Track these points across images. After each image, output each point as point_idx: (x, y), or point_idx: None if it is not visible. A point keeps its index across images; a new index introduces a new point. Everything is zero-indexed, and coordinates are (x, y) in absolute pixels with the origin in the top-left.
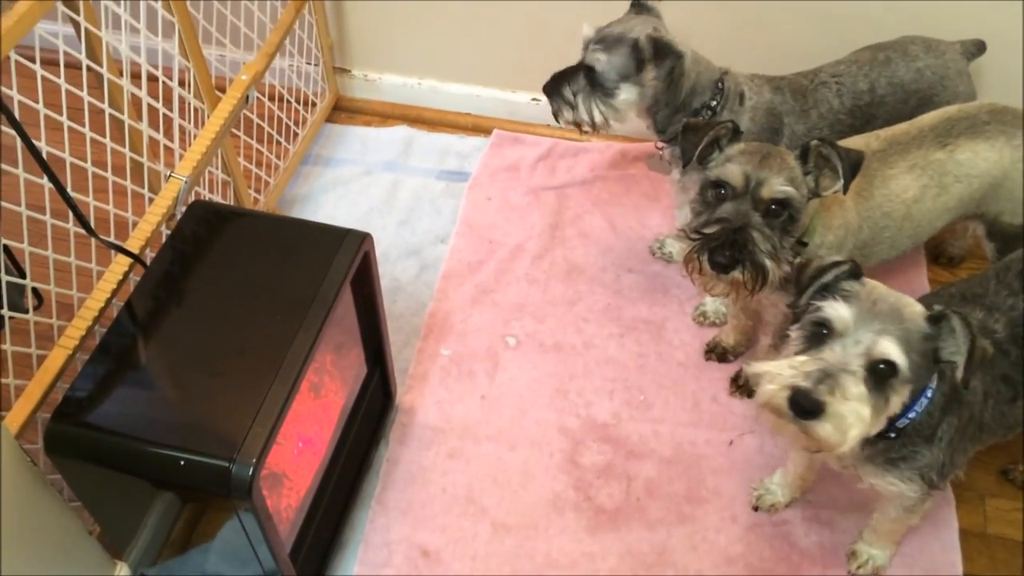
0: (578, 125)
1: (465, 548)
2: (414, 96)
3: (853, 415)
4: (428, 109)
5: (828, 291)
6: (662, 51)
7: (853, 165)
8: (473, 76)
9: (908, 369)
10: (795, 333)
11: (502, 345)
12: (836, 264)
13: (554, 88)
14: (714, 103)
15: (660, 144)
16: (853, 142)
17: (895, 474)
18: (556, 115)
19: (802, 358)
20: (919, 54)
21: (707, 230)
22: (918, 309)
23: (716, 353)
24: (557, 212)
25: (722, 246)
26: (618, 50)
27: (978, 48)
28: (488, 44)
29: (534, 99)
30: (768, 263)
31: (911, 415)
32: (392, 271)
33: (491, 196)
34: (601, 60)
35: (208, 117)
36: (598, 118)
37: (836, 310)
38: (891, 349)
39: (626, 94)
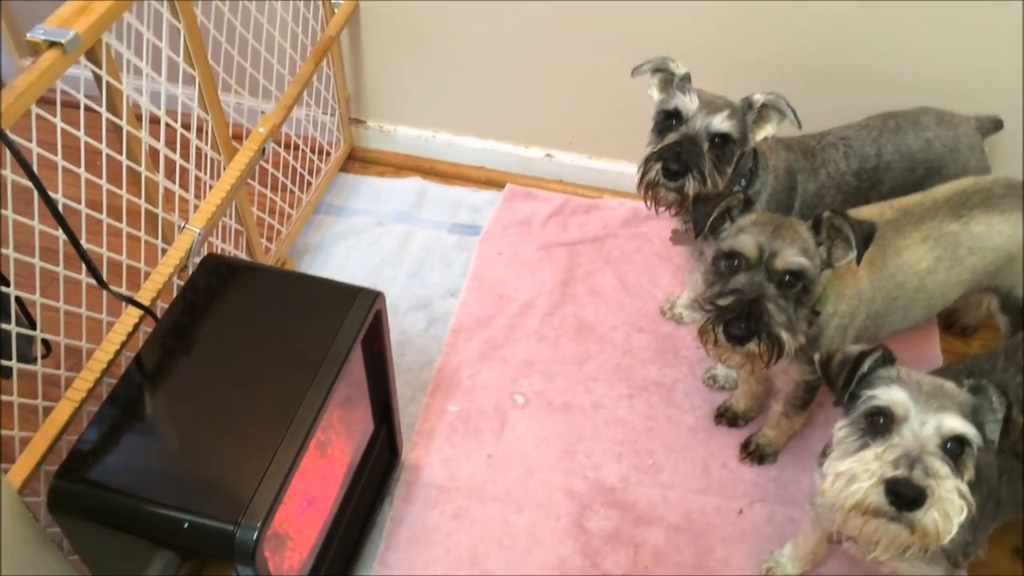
0: (681, 203)
1: None
2: (428, 148)
3: (955, 495)
4: (442, 162)
5: (865, 382)
6: (770, 110)
7: (866, 236)
8: (487, 130)
9: (978, 438)
10: (845, 429)
11: (510, 403)
12: (868, 353)
13: (689, 162)
14: (752, 166)
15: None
16: (866, 211)
17: (922, 557)
18: (680, 189)
19: (878, 449)
20: (930, 124)
21: (721, 301)
22: (954, 385)
23: (726, 418)
24: (568, 269)
25: (737, 318)
26: (738, 113)
27: (994, 124)
28: (502, 99)
29: (547, 155)
30: (784, 335)
31: None
32: (401, 324)
33: (502, 251)
34: (731, 126)
35: (224, 168)
36: (720, 184)
37: (891, 396)
38: (958, 423)
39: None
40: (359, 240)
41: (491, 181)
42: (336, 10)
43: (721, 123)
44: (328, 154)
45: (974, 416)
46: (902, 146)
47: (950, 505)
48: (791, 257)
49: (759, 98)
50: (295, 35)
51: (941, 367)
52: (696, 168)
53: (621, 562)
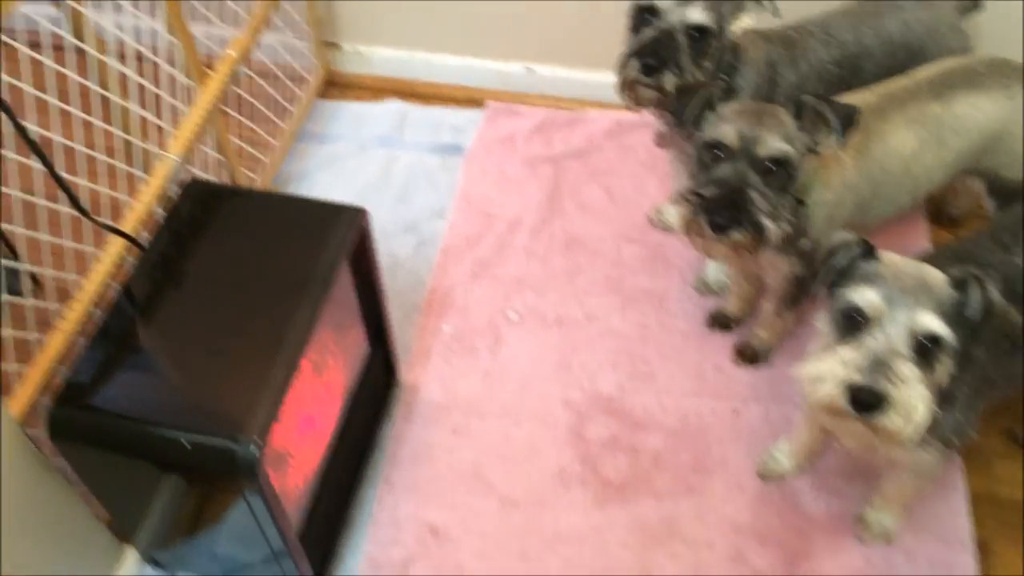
0: (661, 100)
1: (473, 525)
2: (406, 69)
3: (917, 399)
4: (420, 83)
5: (846, 275)
6: None
7: (847, 119)
8: (465, 47)
9: (952, 338)
10: (822, 324)
11: (504, 320)
12: (846, 245)
13: (667, 57)
14: (732, 60)
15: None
16: (849, 99)
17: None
18: (659, 86)
19: (848, 351)
20: (909, 7)
21: (705, 192)
22: (940, 276)
23: (719, 322)
24: (554, 184)
25: (721, 207)
26: (711, 6)
27: (973, 3)
28: (479, 14)
29: (527, 68)
30: (767, 222)
31: None
32: (390, 248)
33: (487, 169)
34: (706, 16)
35: (197, 95)
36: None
37: (864, 295)
38: (932, 322)
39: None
40: (343, 167)
41: (472, 99)
42: None
43: (697, 15)
44: (305, 81)
45: (956, 309)
46: (882, 31)
47: (911, 409)
48: (773, 144)
49: None
50: None
51: (927, 254)
52: (674, 62)
53: (620, 467)
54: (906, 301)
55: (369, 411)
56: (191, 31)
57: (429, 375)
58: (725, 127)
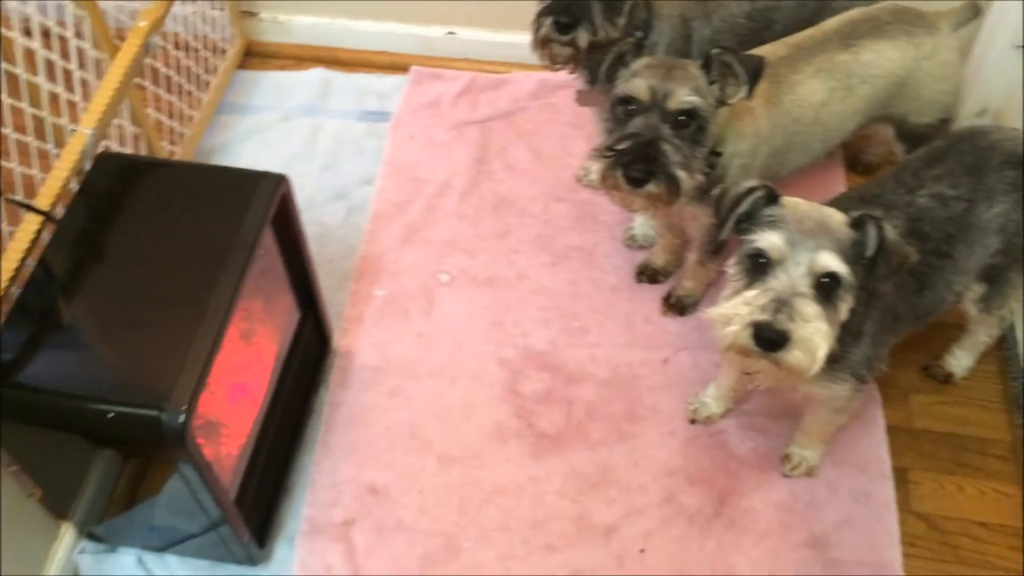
0: (576, 57)
1: (412, 483)
2: (327, 37)
3: (818, 335)
4: (343, 49)
5: (752, 220)
6: None
7: (754, 69)
8: (386, 12)
9: (849, 276)
10: (733, 269)
11: (436, 282)
12: (750, 191)
13: (580, 14)
14: (646, 17)
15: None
16: (760, 51)
17: (828, 376)
18: (572, 43)
19: (753, 292)
20: None
21: (619, 146)
22: (840, 218)
23: (647, 275)
24: (482, 146)
25: (635, 161)
26: None
27: None
28: None
29: (450, 32)
30: (680, 173)
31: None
32: (319, 216)
33: (414, 134)
34: None
35: (109, 67)
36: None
37: (768, 239)
38: (831, 261)
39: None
40: (266, 137)
41: (396, 65)
42: None
43: None
44: (223, 51)
45: (855, 248)
46: None
47: (812, 344)
48: (683, 96)
49: None
50: None
51: (835, 198)
52: (587, 19)
53: (556, 420)
54: (806, 243)
55: (303, 378)
56: (99, 3)
57: (363, 340)
58: (637, 82)
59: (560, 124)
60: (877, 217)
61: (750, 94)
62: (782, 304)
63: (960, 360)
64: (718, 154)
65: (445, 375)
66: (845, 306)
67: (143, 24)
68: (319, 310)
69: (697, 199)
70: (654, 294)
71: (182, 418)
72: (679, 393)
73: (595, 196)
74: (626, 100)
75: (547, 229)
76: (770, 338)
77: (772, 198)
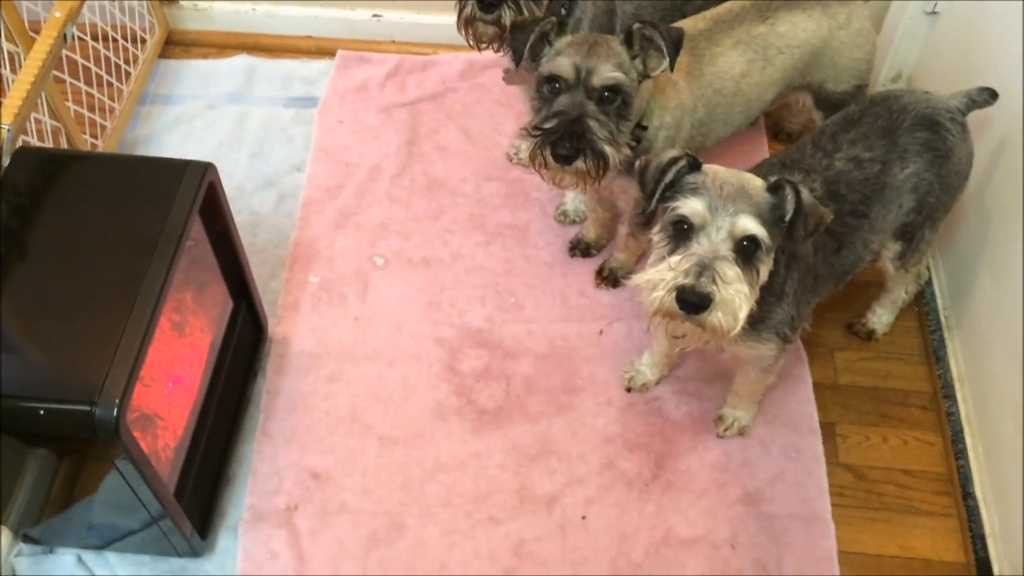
0: (501, 37)
1: (354, 465)
2: (250, 23)
3: (739, 296)
4: (266, 35)
5: (675, 188)
6: None
7: (675, 42)
8: None
9: (768, 238)
10: (658, 236)
11: (370, 266)
12: (673, 161)
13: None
14: None
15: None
16: (681, 24)
17: (753, 337)
18: (496, 21)
19: (676, 258)
20: None
21: (546, 125)
22: (759, 183)
23: (580, 249)
24: (412, 128)
25: (562, 139)
26: None
27: None
28: None
29: (375, 15)
30: (607, 149)
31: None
32: (250, 204)
33: (343, 119)
34: None
35: (24, 60)
36: (531, 15)
37: (690, 205)
38: (750, 224)
39: None
40: (192, 126)
41: (321, 50)
42: None
43: None
44: (144, 41)
45: (773, 212)
46: None
47: (733, 305)
48: (606, 73)
49: None
50: None
51: (756, 164)
52: None
53: (495, 395)
54: (726, 207)
55: (239, 367)
56: None
57: (299, 327)
58: (561, 60)
59: (489, 104)
60: (793, 181)
61: (672, 66)
62: (704, 268)
63: (881, 317)
64: (644, 127)
65: (383, 357)
66: (765, 268)
67: (59, 15)
68: (252, 299)
69: (625, 172)
70: (587, 268)
71: (115, 411)
72: (615, 363)
73: (526, 174)
74: (551, 78)
75: (480, 208)
76: (693, 301)
77: (694, 166)
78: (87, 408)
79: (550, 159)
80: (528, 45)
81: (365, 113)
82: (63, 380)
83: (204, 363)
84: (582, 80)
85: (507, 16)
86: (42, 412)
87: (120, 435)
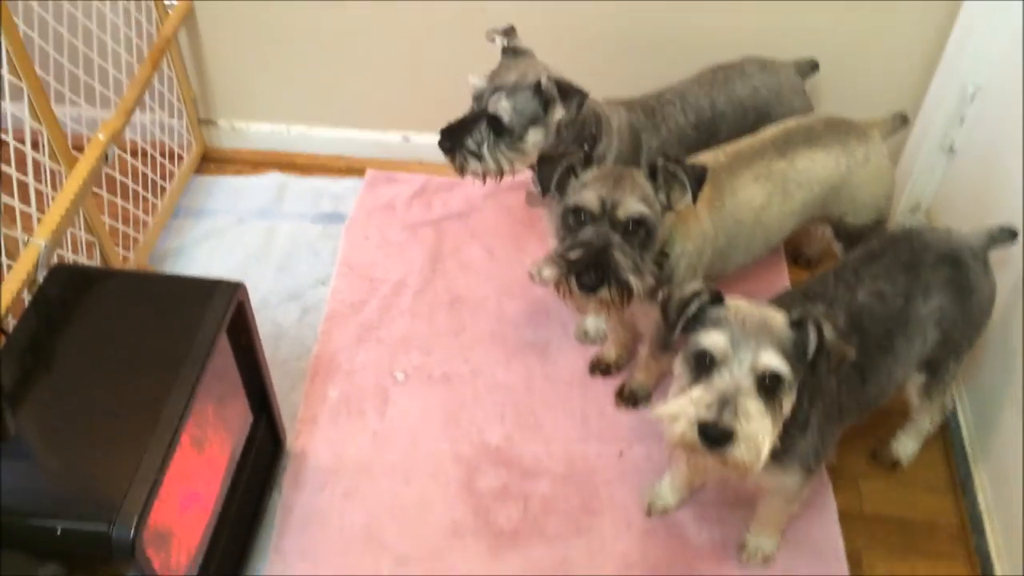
0: (484, 175)
1: None
2: (284, 142)
3: (762, 432)
4: (299, 154)
5: (697, 320)
6: (568, 91)
7: (698, 178)
8: (342, 119)
9: (790, 374)
10: (679, 367)
11: (391, 381)
12: (696, 295)
13: (455, 142)
14: (594, 130)
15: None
16: (703, 158)
17: (777, 467)
18: (461, 169)
19: (698, 391)
20: (755, 73)
21: (572, 255)
22: (781, 318)
23: (600, 368)
24: (436, 245)
25: (587, 269)
26: (521, 95)
27: (811, 66)
28: (353, 86)
29: (404, 137)
30: (632, 279)
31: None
32: (273, 317)
33: (369, 235)
34: (507, 108)
35: (65, 178)
36: (506, 166)
37: (712, 339)
38: (773, 360)
39: (534, 137)
40: (222, 240)
41: (351, 169)
42: (170, 11)
43: (498, 103)
44: (180, 157)
45: (795, 347)
46: (732, 95)
47: (756, 441)
48: (632, 206)
49: (544, 83)
50: (129, 39)
51: (779, 295)
52: (467, 145)
53: (512, 516)
54: (749, 342)
55: (256, 481)
56: (57, 113)
57: (317, 440)
58: (587, 193)
59: (513, 223)
60: (816, 317)
61: (695, 201)
62: (726, 402)
63: (906, 446)
64: (666, 255)
65: (400, 474)
66: (788, 401)
67: (102, 137)
68: (272, 412)
69: (648, 297)
70: (607, 387)
71: (132, 532)
72: (635, 485)
73: (548, 292)
74: (577, 210)
75: (501, 326)
76: (715, 436)
77: (716, 299)
78: (104, 528)
79: (575, 287)
80: (556, 177)
81: (391, 230)
82: (82, 498)
83: (221, 478)
84: (607, 212)
85: (477, 164)
86: (59, 531)
87: (135, 555)
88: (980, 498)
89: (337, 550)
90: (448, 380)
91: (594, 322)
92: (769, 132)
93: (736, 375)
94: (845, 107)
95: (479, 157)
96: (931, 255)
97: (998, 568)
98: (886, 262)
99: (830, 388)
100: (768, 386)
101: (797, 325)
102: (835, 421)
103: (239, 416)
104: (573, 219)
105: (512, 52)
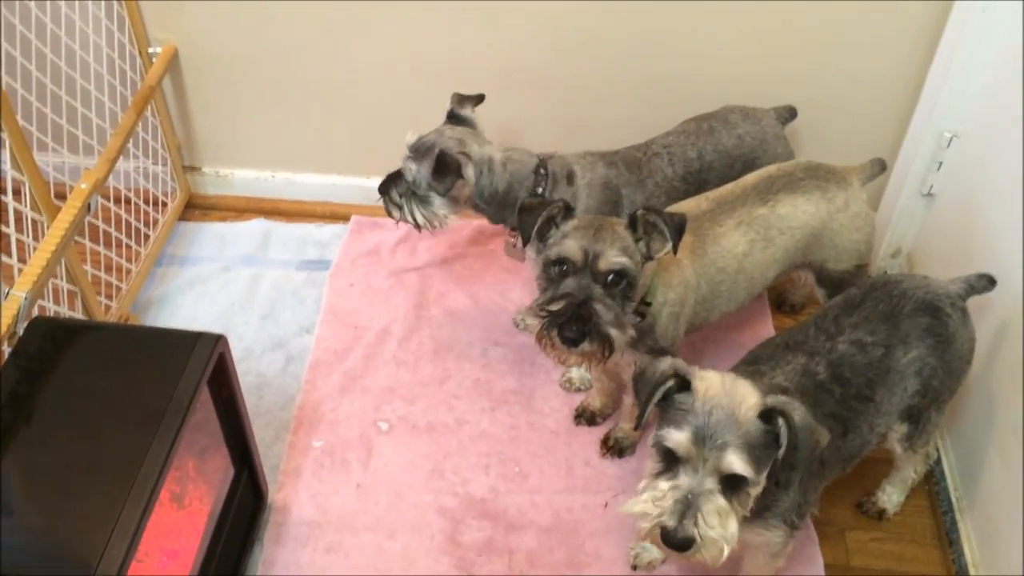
0: (417, 225)
1: None
2: (269, 189)
3: (722, 536)
4: (284, 201)
5: (667, 402)
6: (443, 168)
7: (678, 227)
8: (326, 165)
9: (755, 474)
10: (652, 449)
11: (375, 431)
12: (663, 379)
13: (384, 189)
14: (539, 189)
15: (511, 233)
16: (685, 205)
17: (760, 524)
18: (388, 214)
19: (663, 486)
20: (738, 122)
21: (553, 307)
22: (751, 403)
23: (585, 417)
24: (421, 292)
25: (569, 322)
26: (426, 163)
27: (790, 113)
28: (338, 133)
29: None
30: (613, 332)
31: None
32: (257, 366)
33: (353, 282)
34: (412, 170)
35: (47, 228)
36: (421, 220)
37: (675, 438)
38: (736, 463)
39: (439, 202)
40: (206, 288)
41: (336, 215)
42: (154, 59)
43: (407, 163)
44: (164, 204)
45: (765, 437)
46: (719, 145)
47: (717, 546)
48: (613, 258)
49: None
50: (113, 87)
51: (761, 344)
52: (391, 195)
53: (497, 570)
54: (714, 439)
55: (237, 537)
56: (39, 162)
57: (300, 494)
58: (569, 243)
59: (497, 270)
60: (785, 407)
61: (675, 250)
62: (688, 504)
63: (891, 496)
64: (648, 304)
65: (384, 528)
66: (756, 490)
67: (84, 186)
68: (254, 465)
69: (631, 346)
70: (592, 437)
71: None
72: (620, 538)
73: (532, 340)
74: (559, 261)
75: (486, 374)
76: (676, 543)
77: (685, 386)
78: None
79: (557, 340)
80: (536, 227)
81: (376, 277)
82: (59, 556)
83: (202, 534)
84: (589, 264)
85: (408, 214)
86: None
87: None
88: (966, 550)
89: None
90: (433, 429)
91: (579, 371)
92: (750, 178)
93: (699, 475)
94: (823, 153)
95: (399, 208)
96: (910, 304)
97: None
98: (865, 311)
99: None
100: (733, 482)
101: (767, 416)
102: (817, 476)
103: (220, 470)
104: (555, 269)
105: (454, 119)
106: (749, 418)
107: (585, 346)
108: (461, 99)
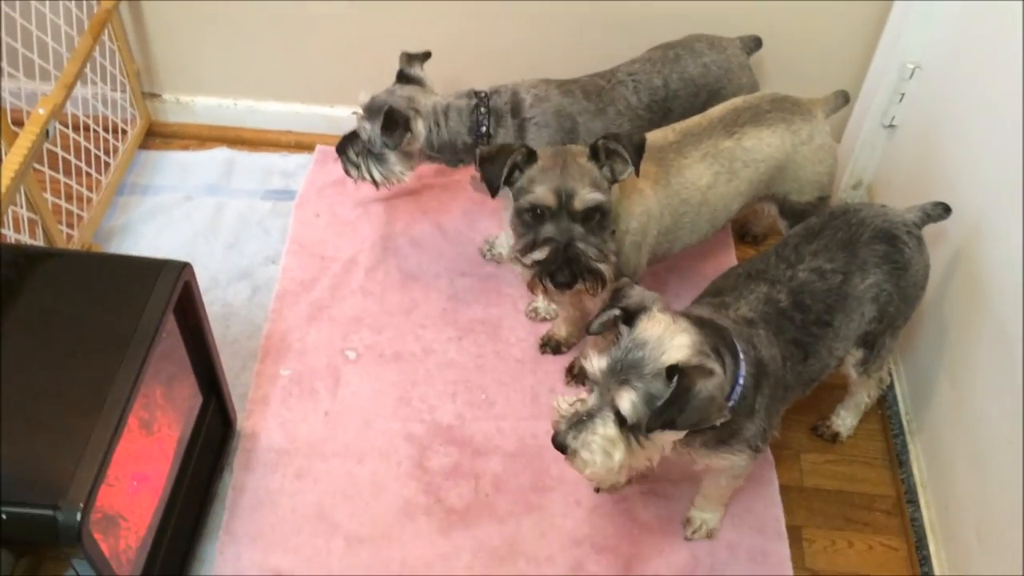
0: (375, 182)
1: (320, 565)
2: (231, 117)
3: (595, 455)
4: (247, 129)
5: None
6: (391, 123)
7: (637, 148)
8: (290, 93)
9: (636, 420)
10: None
11: (342, 360)
12: (610, 310)
13: (341, 149)
14: (483, 128)
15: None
16: (651, 135)
17: (726, 450)
18: (347, 173)
19: (572, 399)
20: (704, 51)
21: (538, 255)
22: (676, 355)
23: (550, 346)
24: (387, 223)
25: (559, 267)
26: (376, 120)
27: (756, 43)
28: (302, 60)
29: (355, 112)
30: (602, 267)
31: (732, 403)
32: (223, 296)
33: (319, 212)
34: (366, 129)
35: (5, 155)
36: (378, 178)
37: (591, 364)
38: (624, 404)
39: (394, 159)
40: (169, 217)
41: (301, 144)
42: None
43: (362, 123)
44: (124, 132)
45: (664, 390)
46: (684, 74)
47: (583, 462)
48: (587, 195)
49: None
50: (68, 10)
51: (722, 274)
52: (348, 154)
53: (464, 494)
54: (619, 375)
55: (206, 463)
56: None
57: (269, 421)
58: (540, 188)
59: (464, 200)
60: (691, 375)
61: (637, 171)
62: (581, 420)
63: (845, 420)
64: (612, 231)
65: (352, 454)
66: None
67: (42, 111)
68: (222, 393)
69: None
70: (558, 365)
71: (78, 516)
72: None
73: (499, 270)
74: (533, 207)
75: (452, 303)
76: (557, 445)
77: (630, 318)
78: (50, 513)
79: (551, 287)
80: (503, 175)
81: (342, 207)
82: (27, 482)
83: (171, 460)
84: (564, 204)
85: (362, 171)
86: (3, 517)
87: (82, 540)
88: (915, 471)
89: (289, 530)
90: (400, 358)
91: (544, 299)
92: (717, 110)
93: (599, 400)
94: (788, 84)
95: (357, 167)
96: (867, 232)
97: (932, 542)
98: (825, 239)
99: (775, 370)
100: (622, 416)
101: (671, 376)
102: (780, 400)
103: (188, 397)
104: (531, 216)
105: (404, 78)
106: (658, 369)
107: (579, 286)
108: (409, 58)
